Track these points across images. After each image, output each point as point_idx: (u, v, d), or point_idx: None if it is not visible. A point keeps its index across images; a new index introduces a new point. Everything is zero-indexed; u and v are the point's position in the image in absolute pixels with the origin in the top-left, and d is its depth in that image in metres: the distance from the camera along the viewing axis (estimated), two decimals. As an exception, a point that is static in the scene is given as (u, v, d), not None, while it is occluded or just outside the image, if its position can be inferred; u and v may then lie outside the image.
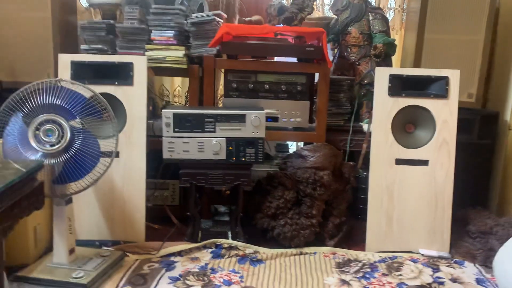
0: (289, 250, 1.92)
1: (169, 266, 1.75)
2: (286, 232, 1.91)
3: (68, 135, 1.42)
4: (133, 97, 1.86)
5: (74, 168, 1.45)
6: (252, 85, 2.11)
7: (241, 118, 1.79)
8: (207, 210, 2.12)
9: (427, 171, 1.96)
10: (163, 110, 1.78)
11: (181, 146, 1.79)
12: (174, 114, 1.78)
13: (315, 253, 1.93)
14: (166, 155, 1.80)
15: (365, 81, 2.27)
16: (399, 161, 1.97)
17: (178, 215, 2.11)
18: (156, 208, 2.16)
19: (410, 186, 1.97)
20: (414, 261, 1.90)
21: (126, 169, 1.87)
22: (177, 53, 2.03)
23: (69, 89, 1.48)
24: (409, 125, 2.01)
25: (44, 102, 1.43)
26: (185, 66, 2.05)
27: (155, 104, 2.34)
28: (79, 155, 1.44)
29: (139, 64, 1.87)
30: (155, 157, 1.95)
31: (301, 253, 1.92)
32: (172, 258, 1.81)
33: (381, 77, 1.96)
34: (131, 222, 1.88)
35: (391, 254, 1.94)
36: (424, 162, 1.97)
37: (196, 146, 1.79)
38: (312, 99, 2.22)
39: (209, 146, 1.79)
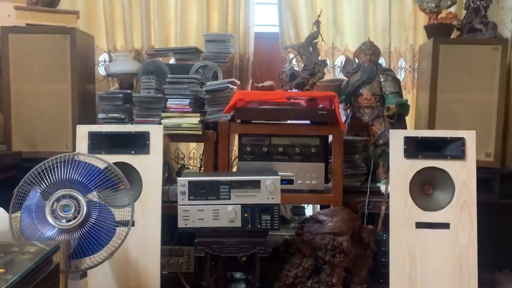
0: (309, 321, 1.84)
1: None
2: (306, 301, 1.84)
3: (85, 209, 1.43)
4: (149, 165, 1.88)
5: (89, 242, 1.44)
6: (266, 148, 2.12)
7: (255, 184, 1.79)
8: (223, 277, 2.07)
9: (449, 234, 1.90)
10: (178, 178, 1.79)
11: (196, 214, 1.77)
12: (189, 182, 1.78)
13: (336, 323, 1.84)
14: (181, 223, 1.78)
15: (380, 142, 2.26)
16: (420, 225, 1.92)
17: (194, 283, 2.06)
18: (171, 276, 2.12)
19: (432, 250, 1.90)
20: (442, 331, 1.80)
21: (141, 237, 1.85)
22: (193, 120, 2.07)
23: (86, 162, 1.50)
24: (428, 187, 1.97)
25: (61, 177, 1.45)
26: (200, 132, 2.08)
27: (171, 168, 2.36)
28: (95, 229, 1.44)
29: (155, 133, 1.90)
30: (170, 223, 1.94)
31: (322, 324, 1.84)
32: (188, 332, 1.75)
33: (396, 139, 1.95)
34: (145, 291, 1.84)
35: (417, 324, 1.85)
36: (445, 225, 1.91)
37: (211, 213, 1.78)
38: (327, 161, 2.21)
39: (224, 213, 1.77)
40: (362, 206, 2.20)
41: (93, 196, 1.48)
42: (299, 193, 2.13)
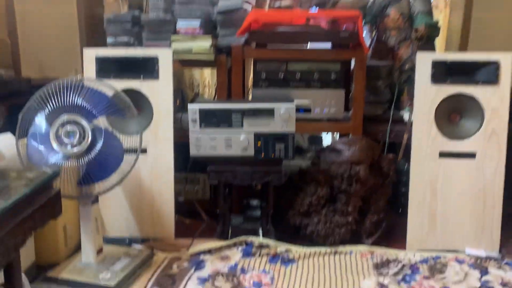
0: (323, 249, 1.83)
1: (198, 265, 1.70)
2: (319, 230, 1.82)
3: (89, 136, 1.38)
4: (159, 91, 1.80)
5: (98, 169, 1.42)
6: (282, 75, 2.00)
7: (269, 112, 1.70)
8: (238, 204, 2.06)
9: (475, 165, 1.80)
10: (189, 106, 1.71)
11: (208, 142, 1.72)
12: (200, 110, 1.70)
13: (351, 252, 1.82)
14: (193, 151, 1.74)
15: (406, 67, 2.10)
16: (443, 154, 1.82)
17: (209, 210, 2.07)
18: (187, 202, 2.13)
19: (455, 181, 1.82)
20: (460, 261, 1.76)
21: (154, 165, 1.83)
22: (204, 44, 1.95)
23: (91, 87, 1.44)
24: (454, 115, 1.84)
25: (66, 102, 1.39)
26: (212, 58, 1.96)
27: (184, 96, 2.28)
28: (102, 155, 1.40)
29: (164, 57, 1.80)
30: (184, 151, 1.90)
31: (336, 252, 1.82)
32: (202, 257, 1.76)
33: (423, 63, 1.80)
34: (160, 219, 1.85)
35: (434, 254, 1.81)
36: (471, 155, 1.80)
37: (223, 142, 1.72)
38: (348, 88, 2.08)
39: (237, 142, 1.71)
40: (383, 135, 2.10)
41: (99, 122, 1.43)
42: (317, 122, 2.04)
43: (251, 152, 1.72)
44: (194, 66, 2.25)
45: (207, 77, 2.57)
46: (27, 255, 1.57)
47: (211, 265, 1.71)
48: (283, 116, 1.69)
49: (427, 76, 1.79)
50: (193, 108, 1.71)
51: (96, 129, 1.40)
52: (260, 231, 1.88)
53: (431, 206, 1.84)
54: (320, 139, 2.32)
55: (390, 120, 2.09)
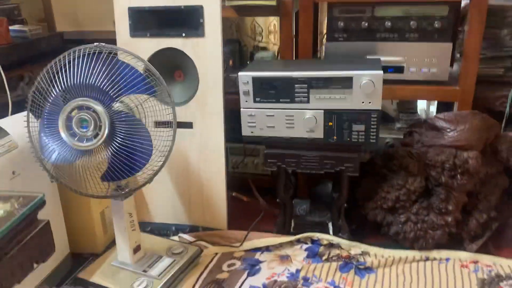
0: (410, 254, 1.44)
1: (253, 268, 1.41)
2: (407, 231, 1.42)
3: (107, 126, 1.07)
4: (206, 52, 1.43)
5: (122, 165, 1.12)
6: (367, 23, 1.51)
7: (346, 83, 1.26)
8: (304, 190, 1.70)
9: None
10: (239, 74, 1.33)
11: (264, 121, 1.34)
12: (254, 79, 1.31)
13: (447, 259, 1.42)
14: (245, 131, 1.38)
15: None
16: None
17: (270, 189, 1.74)
18: (244, 177, 1.81)
19: None
20: None
21: (202, 143, 1.51)
22: (263, -15, 1.50)
23: (113, 60, 1.10)
24: None
25: (79, 81, 1.08)
26: (273, 2, 1.52)
27: (243, 48, 1.88)
28: (124, 150, 1.09)
29: (211, 7, 1.39)
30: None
31: (427, 259, 1.42)
32: (258, 256, 1.47)
33: None
34: (210, 206, 1.56)
35: None
36: None
37: (283, 120, 1.33)
38: (455, 40, 1.54)
39: (301, 121, 1.31)
40: (503, 103, 1.56)
41: (121, 107, 1.11)
42: (412, 85, 1.55)
43: (319, 134, 1.32)
44: (254, 14, 1.81)
45: (273, 21, 2.12)
46: (59, 247, 1.39)
47: (268, 268, 1.41)
48: (365, 88, 1.24)
49: None
50: (245, 76, 1.32)
51: (115, 116, 1.09)
52: (330, 226, 1.53)
53: None
54: (413, 104, 1.82)
55: (515, 82, 1.54)
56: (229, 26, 1.96)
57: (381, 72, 1.23)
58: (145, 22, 1.45)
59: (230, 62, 1.65)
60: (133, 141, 1.08)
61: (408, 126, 1.54)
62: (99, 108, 1.07)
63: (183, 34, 1.42)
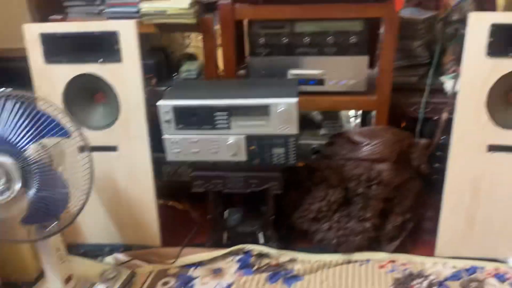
0: (335, 257, 1.54)
1: (186, 285, 1.46)
2: (330, 238, 1.52)
3: (18, 179, 1.05)
4: (124, 77, 1.41)
5: (38, 214, 1.11)
6: (287, 39, 1.54)
7: (263, 110, 1.30)
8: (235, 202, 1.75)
9: None
10: (159, 104, 1.33)
11: (188, 147, 1.36)
12: (175, 108, 1.32)
13: (368, 261, 1.53)
14: (171, 157, 1.39)
15: (454, 17, 1.57)
16: (494, 148, 1.40)
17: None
18: (181, 185, 1.83)
19: (507, 182, 1.42)
20: (500, 277, 1.45)
21: (129, 166, 1.51)
22: (181, 3, 1.48)
23: (24, 106, 1.07)
24: (514, 93, 1.38)
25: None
26: (193, 20, 1.51)
27: (169, 56, 1.86)
28: (39, 202, 1.08)
29: (127, 32, 1.37)
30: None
31: (349, 262, 1.54)
32: (191, 272, 1.52)
33: (477, 27, 1.30)
34: (142, 225, 1.58)
35: (468, 264, 1.49)
36: None
37: (207, 146, 1.36)
38: (372, 52, 1.61)
39: (224, 146, 1.35)
40: (416, 109, 1.66)
41: (35, 153, 1.09)
42: (332, 96, 1.62)
43: (242, 157, 1.37)
44: (174, 30, 1.78)
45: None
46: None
47: (201, 284, 1.47)
48: (281, 115, 1.28)
49: (481, 46, 1.30)
50: (165, 106, 1.32)
51: (27, 168, 1.07)
52: (261, 236, 1.60)
53: (471, 209, 1.48)
54: (337, 113, 1.90)
55: (427, 89, 1.63)
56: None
57: (296, 99, 1.27)
58: (59, 48, 1.40)
59: (153, 82, 1.63)
60: (48, 189, 1.07)
61: (329, 137, 1.61)
62: (7, 162, 1.04)
63: (100, 60, 1.39)
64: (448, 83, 1.62)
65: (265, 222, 1.55)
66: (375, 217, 1.52)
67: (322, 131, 1.76)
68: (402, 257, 1.54)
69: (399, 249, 1.56)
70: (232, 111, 1.30)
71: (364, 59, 1.55)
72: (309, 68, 1.58)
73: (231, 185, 1.43)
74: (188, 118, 1.32)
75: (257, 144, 1.34)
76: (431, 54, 1.63)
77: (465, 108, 1.38)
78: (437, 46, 1.61)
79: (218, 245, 1.60)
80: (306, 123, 1.79)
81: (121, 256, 1.58)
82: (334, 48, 1.55)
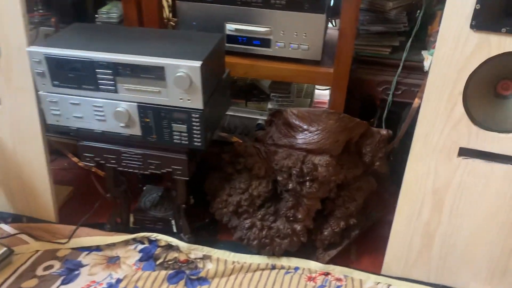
0: (258, 260, 1.27)
1: (70, 273, 1.22)
2: (251, 238, 1.24)
3: None
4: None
5: None
6: (225, -18, 1.20)
7: (158, 73, 0.98)
8: (136, 189, 1.47)
9: None
10: (28, 49, 1.02)
11: (69, 109, 1.07)
12: (48, 58, 1.01)
13: (296, 268, 1.26)
14: (50, 119, 1.10)
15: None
16: (467, 153, 1.07)
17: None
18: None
19: (478, 196, 1.10)
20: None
21: (14, 123, 1.23)
22: None
23: None
24: (505, 83, 1.03)
25: None
26: None
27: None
28: None
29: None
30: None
31: (274, 267, 1.26)
32: (82, 257, 1.27)
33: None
34: (35, 195, 1.33)
35: (419, 289, 1.21)
36: None
37: (92, 111, 1.06)
38: (332, 11, 1.25)
39: (112, 114, 1.05)
40: (385, 90, 1.32)
41: None
42: (278, 63, 1.28)
43: (136, 130, 1.07)
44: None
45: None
46: None
47: (88, 274, 1.22)
48: (178, 82, 0.97)
49: (464, 15, 0.94)
50: (36, 53, 1.01)
51: None
52: (174, 223, 1.33)
53: (430, 225, 1.17)
54: (289, 84, 1.54)
55: (401, 66, 1.28)
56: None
57: (199, 63, 0.95)
58: None
59: (52, 21, 1.30)
60: None
61: (269, 114, 1.29)
62: None
63: (-29, -14, 1.08)
64: (429, 60, 1.26)
65: (176, 210, 1.27)
66: (309, 219, 1.22)
67: (270, 105, 1.43)
68: (338, 270, 1.26)
69: (337, 260, 1.28)
70: (118, 70, 0.99)
71: (320, 19, 1.19)
72: (253, 23, 1.24)
73: (127, 163, 1.14)
74: (65, 73, 1.02)
75: (153, 117, 1.03)
76: (412, 21, 1.26)
77: (434, 97, 1.04)
78: (419, 13, 1.24)
79: (122, 228, 1.34)
80: (253, 93, 1.47)
81: (7, 228, 1.34)
82: (283, 0, 1.19)
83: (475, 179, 1.09)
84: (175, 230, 1.32)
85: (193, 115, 1.00)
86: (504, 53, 0.96)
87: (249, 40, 1.27)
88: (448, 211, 1.14)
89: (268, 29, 1.23)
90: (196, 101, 0.99)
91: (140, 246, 1.31)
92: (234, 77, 1.19)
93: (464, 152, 1.08)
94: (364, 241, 1.35)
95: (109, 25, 1.36)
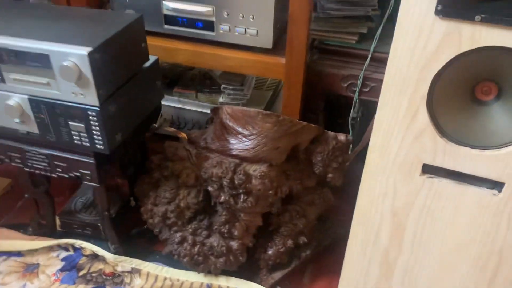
0: (192, 277, 1.11)
1: (-20, 283, 1.09)
2: (181, 255, 1.07)
3: None
4: None
5: None
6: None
7: (43, 61, 0.80)
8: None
9: (495, 203, 0.84)
10: None
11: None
12: None
13: (235, 291, 1.09)
14: None
15: None
16: (432, 170, 0.86)
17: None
18: None
19: (446, 222, 0.89)
20: None
21: None
22: None
23: None
24: (486, 86, 0.80)
25: None
26: None
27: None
28: None
29: None
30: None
31: (210, 286, 1.10)
32: (-1, 263, 1.14)
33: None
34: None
35: (374, 327, 1.02)
36: (493, 184, 0.83)
37: (-18, 103, 0.90)
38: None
39: (3, 107, 0.89)
40: (351, 86, 1.11)
41: None
42: (225, 49, 1.09)
43: (33, 128, 0.90)
44: None
45: None
46: None
47: (1, 283, 1.09)
48: (67, 72, 0.79)
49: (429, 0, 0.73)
50: None
51: None
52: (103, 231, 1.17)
53: (390, 252, 0.97)
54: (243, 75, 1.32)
55: (369, 57, 1.06)
56: None
57: (88, 50, 0.77)
58: None
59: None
60: None
61: (211, 110, 1.09)
62: None
63: None
64: (404, 52, 1.03)
65: (101, 218, 1.11)
66: (249, 236, 1.04)
67: (221, 98, 1.24)
68: (283, 296, 1.08)
69: (286, 283, 1.10)
70: (1, 56, 0.82)
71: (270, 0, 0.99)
72: (193, 1, 1.04)
73: (32, 163, 0.98)
74: None
75: (47, 113, 0.86)
76: (384, 3, 1.03)
77: (392, 100, 0.83)
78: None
79: (48, 232, 1.19)
80: (205, 83, 1.28)
81: None
82: (225, -25, 0.99)
83: (443, 203, 0.88)
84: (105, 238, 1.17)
85: (89, 113, 0.83)
86: (479, 48, 0.74)
87: (191, 22, 1.08)
88: (410, 238, 0.94)
89: (209, 9, 1.04)
90: (90, 97, 0.81)
91: (64, 254, 1.16)
92: (166, 64, 1.01)
93: (429, 170, 0.86)
94: (321, 262, 1.16)
95: (25, 3, 1.19)
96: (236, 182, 0.93)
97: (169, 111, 1.29)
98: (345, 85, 1.10)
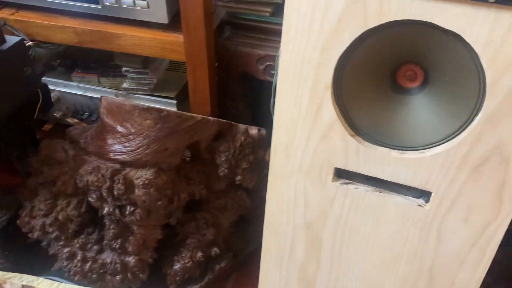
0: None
1: None
2: (72, 273, 0.91)
3: None
4: None
5: None
6: None
7: None
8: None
9: (422, 215, 0.68)
10: None
11: None
12: None
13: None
14: None
15: None
16: (346, 175, 0.69)
17: None
18: None
19: (367, 236, 0.74)
20: None
21: None
22: None
23: None
24: (410, 70, 0.63)
25: None
26: None
27: None
28: None
29: None
30: None
31: (111, 306, 0.94)
32: None
33: None
34: None
35: None
36: (419, 192, 0.67)
37: None
38: None
39: None
40: (269, 68, 0.92)
41: None
42: (114, 25, 0.90)
43: None
44: None
45: None
46: None
47: None
48: None
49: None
50: None
51: None
52: None
53: (307, 267, 0.82)
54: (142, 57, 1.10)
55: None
56: None
57: None
58: None
59: None
60: None
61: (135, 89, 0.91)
62: None
63: None
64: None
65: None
66: (148, 250, 0.88)
67: (125, 84, 1.05)
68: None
69: (196, 300, 0.95)
70: None
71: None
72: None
73: None
74: None
75: None
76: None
77: (290, 92, 0.65)
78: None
79: None
80: (108, 65, 1.08)
81: None
82: None
83: (362, 214, 0.72)
84: None
85: None
86: (390, 23, 0.56)
87: (71, -6, 0.88)
88: (329, 253, 0.78)
89: (88, -24, 0.84)
90: None
91: None
92: (32, 45, 0.82)
93: (344, 175, 0.70)
94: (245, 272, 1.01)
95: None
96: (115, 192, 0.76)
97: (71, 98, 1.11)
98: (262, 67, 0.91)
